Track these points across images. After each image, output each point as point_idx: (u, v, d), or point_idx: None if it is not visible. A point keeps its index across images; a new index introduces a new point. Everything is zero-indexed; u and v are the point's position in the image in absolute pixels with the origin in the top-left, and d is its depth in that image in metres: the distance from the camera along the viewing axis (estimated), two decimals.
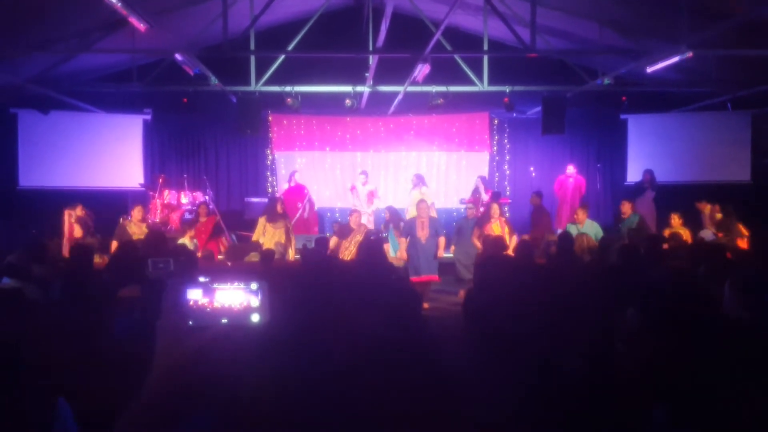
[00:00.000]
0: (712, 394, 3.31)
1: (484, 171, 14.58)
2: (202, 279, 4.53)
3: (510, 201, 14.15)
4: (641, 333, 3.92)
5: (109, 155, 13.35)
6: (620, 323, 3.83)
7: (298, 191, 13.07)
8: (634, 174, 14.03)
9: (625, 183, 14.26)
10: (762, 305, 4.04)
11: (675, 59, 8.92)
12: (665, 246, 8.19)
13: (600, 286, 5.95)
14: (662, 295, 5.09)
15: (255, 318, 2.28)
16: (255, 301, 2.29)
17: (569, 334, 4.32)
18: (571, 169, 13.40)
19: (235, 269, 7.75)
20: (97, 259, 7.97)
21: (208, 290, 2.27)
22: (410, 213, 11.07)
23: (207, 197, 13.33)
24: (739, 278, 4.50)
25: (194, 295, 2.25)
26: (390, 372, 3.10)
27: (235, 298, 2.27)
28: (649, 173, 12.87)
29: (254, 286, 2.28)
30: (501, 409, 4.17)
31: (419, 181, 12.63)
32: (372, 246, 6.98)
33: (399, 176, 14.53)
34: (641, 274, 6.15)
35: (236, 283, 2.29)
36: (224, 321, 2.27)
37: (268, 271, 7.66)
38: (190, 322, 2.24)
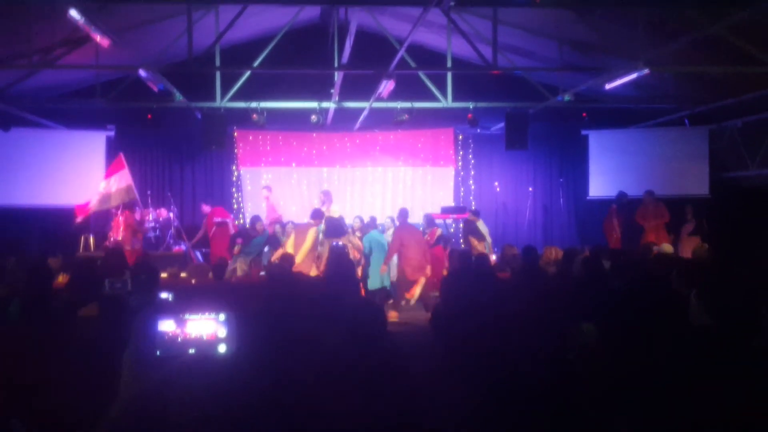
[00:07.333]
0: (677, 401, 3.38)
1: (450, 186, 14.75)
2: (164, 295, 4.50)
3: None
4: (601, 343, 3.99)
5: (71, 172, 13.13)
6: (575, 335, 3.90)
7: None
8: (595, 189, 14.28)
9: (588, 197, 14.49)
10: (726, 314, 4.15)
11: (633, 76, 9.13)
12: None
13: (563, 298, 6.04)
14: (625, 305, 5.19)
15: (222, 348, 2.29)
16: (223, 332, 2.30)
17: (532, 346, 4.37)
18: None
19: (198, 288, 7.68)
20: (60, 279, 7.85)
21: (179, 321, 2.28)
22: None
23: (171, 214, 13.24)
24: (705, 288, 4.61)
25: (166, 327, 2.26)
26: (356, 388, 3.11)
27: (204, 328, 2.28)
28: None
29: (222, 317, 2.30)
30: (466, 422, 4.20)
31: (327, 198, 12.02)
32: (340, 259, 6.98)
33: (365, 191, 14.63)
34: (604, 286, 6.26)
35: (206, 314, 2.30)
36: (192, 351, 2.28)
37: (223, 286, 7.62)
38: (158, 352, 2.24)
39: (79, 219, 12.42)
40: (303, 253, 9.72)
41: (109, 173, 12.48)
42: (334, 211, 11.72)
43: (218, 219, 12.53)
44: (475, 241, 11.07)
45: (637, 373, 3.66)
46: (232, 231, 12.45)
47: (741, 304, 4.11)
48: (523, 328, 4.88)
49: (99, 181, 13.23)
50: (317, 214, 10.45)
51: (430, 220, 11.56)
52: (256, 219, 11.36)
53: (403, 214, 10.41)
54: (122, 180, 12.34)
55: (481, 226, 11.95)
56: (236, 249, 10.64)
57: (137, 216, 12.61)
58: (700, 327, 4.29)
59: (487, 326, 5.30)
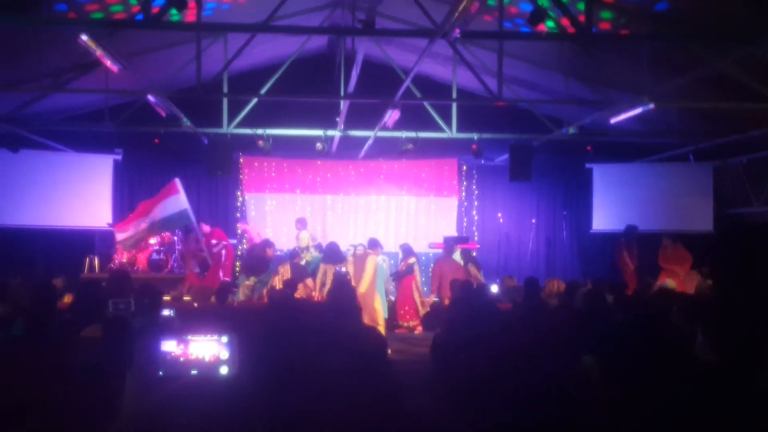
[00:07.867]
0: None
1: (453, 216, 14.76)
2: (166, 312, 4.51)
3: (478, 246, 14.28)
4: (603, 376, 3.97)
5: (78, 195, 13.18)
6: (577, 367, 3.89)
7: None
8: (599, 222, 14.26)
9: (591, 231, 14.48)
10: (731, 350, 4.13)
11: (638, 111, 9.13)
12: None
13: (565, 331, 6.01)
14: (627, 338, 5.16)
15: (224, 370, 2.30)
16: (225, 354, 2.31)
17: (533, 378, 4.35)
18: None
19: (201, 311, 7.68)
20: (66, 299, 7.86)
21: (182, 341, 2.28)
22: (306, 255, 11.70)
23: (175, 238, 13.26)
24: (711, 324, 4.60)
25: (169, 347, 2.26)
26: (357, 413, 3.10)
27: (207, 349, 2.28)
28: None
29: (225, 339, 2.31)
30: None
31: (301, 224, 12.76)
32: (343, 285, 6.97)
33: (368, 220, 14.66)
34: (607, 319, 6.24)
35: (209, 335, 2.31)
36: (194, 372, 2.28)
37: (226, 310, 7.61)
38: (161, 373, 2.25)
39: (120, 245, 12.28)
40: (366, 282, 9.79)
41: (159, 199, 12.07)
42: (303, 238, 11.91)
43: (215, 241, 12.50)
44: (474, 270, 11.11)
45: (638, 406, 3.64)
46: (224, 255, 12.38)
47: (745, 340, 4.10)
48: (525, 360, 4.85)
49: (106, 203, 13.30)
50: (374, 244, 10.98)
51: (406, 249, 12.22)
52: (268, 244, 11.32)
53: (448, 247, 11.72)
54: (176, 205, 11.97)
55: (457, 256, 11.99)
56: (250, 281, 10.63)
57: (194, 243, 12.60)
58: (704, 363, 4.27)
59: (489, 357, 5.28)
